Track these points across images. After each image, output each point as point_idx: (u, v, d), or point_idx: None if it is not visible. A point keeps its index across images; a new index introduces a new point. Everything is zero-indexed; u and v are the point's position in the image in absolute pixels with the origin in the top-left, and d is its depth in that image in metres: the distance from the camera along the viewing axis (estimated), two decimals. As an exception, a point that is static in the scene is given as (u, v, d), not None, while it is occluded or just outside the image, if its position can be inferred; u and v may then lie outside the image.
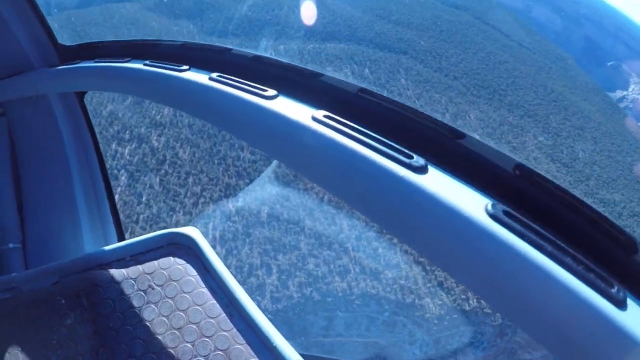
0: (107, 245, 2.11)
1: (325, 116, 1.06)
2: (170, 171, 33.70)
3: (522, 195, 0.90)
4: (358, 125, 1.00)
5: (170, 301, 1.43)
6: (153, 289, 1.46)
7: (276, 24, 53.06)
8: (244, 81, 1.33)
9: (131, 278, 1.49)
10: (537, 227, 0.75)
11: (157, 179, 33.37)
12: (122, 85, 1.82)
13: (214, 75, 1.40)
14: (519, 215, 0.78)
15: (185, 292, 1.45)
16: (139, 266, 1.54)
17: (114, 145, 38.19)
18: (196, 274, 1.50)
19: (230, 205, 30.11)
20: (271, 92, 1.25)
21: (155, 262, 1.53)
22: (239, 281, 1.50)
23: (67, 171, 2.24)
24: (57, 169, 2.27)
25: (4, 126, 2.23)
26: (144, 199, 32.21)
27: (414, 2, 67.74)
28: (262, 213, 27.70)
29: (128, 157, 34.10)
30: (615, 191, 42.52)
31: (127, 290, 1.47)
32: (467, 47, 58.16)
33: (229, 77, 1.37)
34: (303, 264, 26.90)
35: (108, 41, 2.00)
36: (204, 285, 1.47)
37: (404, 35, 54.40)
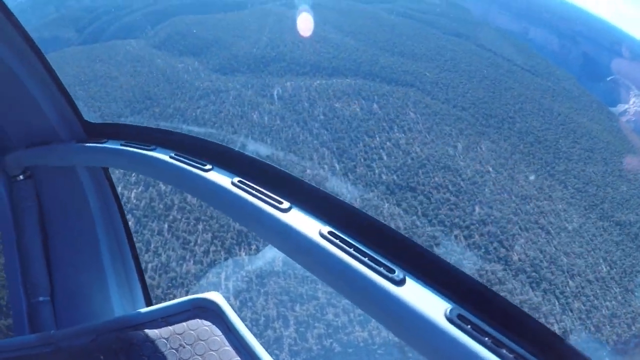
0: (134, 305, 2.39)
1: (329, 232, 1.27)
2: (179, 217, 32.86)
3: (476, 299, 1.08)
4: (355, 240, 1.24)
5: (200, 358, 1.58)
6: (184, 347, 1.61)
7: (282, 60, 53.50)
8: (263, 190, 1.47)
9: (164, 338, 1.63)
10: (482, 326, 0.99)
11: (166, 225, 32.51)
12: (148, 171, 1.95)
13: (236, 180, 1.54)
14: (469, 317, 1.01)
15: (212, 350, 1.60)
16: (169, 327, 1.68)
17: (119, 189, 37.70)
18: (221, 334, 1.65)
19: (243, 253, 29.15)
20: (286, 204, 1.40)
21: (184, 323, 1.69)
22: (255, 335, 1.61)
23: (94, 233, 2.40)
24: (83, 232, 2.43)
25: (31, 188, 2.43)
26: (152, 246, 31.19)
27: (416, 34, 68.41)
28: (277, 261, 26.66)
29: (134, 201, 33.29)
30: (629, 211, 41.55)
31: (161, 349, 1.60)
32: (472, 75, 58.21)
33: (250, 184, 1.52)
34: (322, 314, 25.58)
35: (134, 125, 2.14)
36: (228, 344, 1.62)
37: (409, 67, 54.55)
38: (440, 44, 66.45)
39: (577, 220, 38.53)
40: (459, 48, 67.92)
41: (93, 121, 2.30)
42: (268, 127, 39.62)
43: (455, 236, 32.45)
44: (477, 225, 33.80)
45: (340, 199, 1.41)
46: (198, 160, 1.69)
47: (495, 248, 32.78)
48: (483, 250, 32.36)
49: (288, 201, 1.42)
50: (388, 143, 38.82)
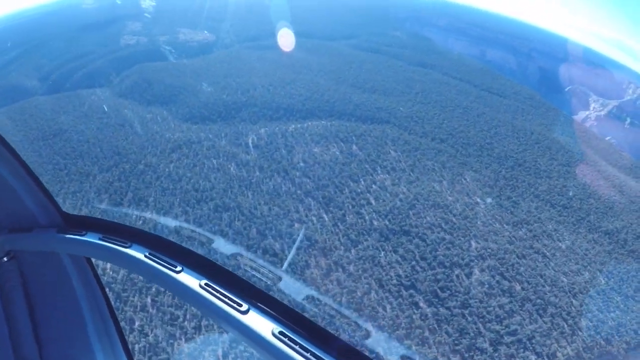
0: None
1: (280, 332, 1.64)
2: (162, 289, 30.14)
3: (296, 320, 1.68)
4: (301, 338, 1.63)
5: None
6: None
7: (253, 105, 52.36)
8: (226, 294, 1.80)
9: None
10: (297, 339, 1.58)
11: (149, 300, 29.80)
12: (125, 266, 2.30)
13: (203, 282, 1.87)
14: (288, 333, 1.60)
15: None
16: None
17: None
18: None
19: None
20: (245, 306, 1.76)
21: None
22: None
23: (79, 311, 2.65)
24: (69, 310, 2.69)
25: (15, 269, 2.71)
26: (136, 324, 28.40)
27: (384, 67, 69.24)
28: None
29: (111, 274, 30.63)
30: (614, 219, 41.87)
31: None
32: (444, 105, 58.81)
33: (215, 287, 1.84)
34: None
35: (111, 222, 2.43)
36: None
37: (382, 103, 54.54)
38: (408, 75, 67.39)
39: (569, 237, 38.44)
40: (427, 78, 69.04)
41: (68, 211, 2.70)
42: (247, 180, 37.84)
43: (457, 276, 31.20)
44: (476, 261, 32.79)
45: (286, 303, 1.78)
46: (170, 261, 2.02)
47: (497, 282, 31.83)
48: (487, 286, 31.29)
49: (246, 304, 1.77)
50: (374, 186, 37.68)
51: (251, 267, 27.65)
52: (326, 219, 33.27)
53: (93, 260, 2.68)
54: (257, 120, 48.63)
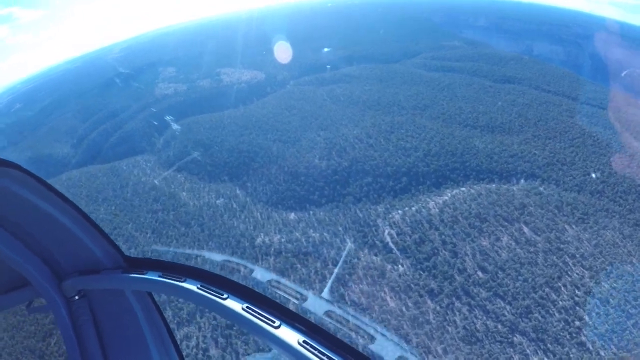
0: None
1: (304, 341, 1.98)
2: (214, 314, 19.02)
3: (318, 332, 2.04)
4: (321, 346, 1.97)
5: None
6: None
7: (359, 172, 39.42)
8: (262, 313, 2.14)
9: None
10: (317, 346, 1.96)
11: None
12: (181, 297, 2.54)
13: (244, 306, 2.20)
14: (313, 343, 1.96)
15: None
16: None
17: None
18: None
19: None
20: (277, 322, 2.08)
21: None
22: None
23: (145, 344, 2.96)
24: (136, 343, 2.98)
25: (86, 306, 3.01)
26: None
27: (473, 91, 55.57)
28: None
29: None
30: None
31: None
32: (573, 136, 45.05)
33: (253, 309, 2.17)
34: None
35: (166, 261, 2.76)
36: None
37: (510, 147, 40.75)
38: (504, 97, 53.82)
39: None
40: (528, 99, 55.21)
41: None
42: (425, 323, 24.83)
43: None
44: None
45: (308, 318, 2.16)
46: (217, 291, 2.33)
47: None
48: None
49: (278, 320, 2.10)
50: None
51: (284, 290, 28.25)
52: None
53: (154, 295, 2.94)
54: (378, 197, 35.15)
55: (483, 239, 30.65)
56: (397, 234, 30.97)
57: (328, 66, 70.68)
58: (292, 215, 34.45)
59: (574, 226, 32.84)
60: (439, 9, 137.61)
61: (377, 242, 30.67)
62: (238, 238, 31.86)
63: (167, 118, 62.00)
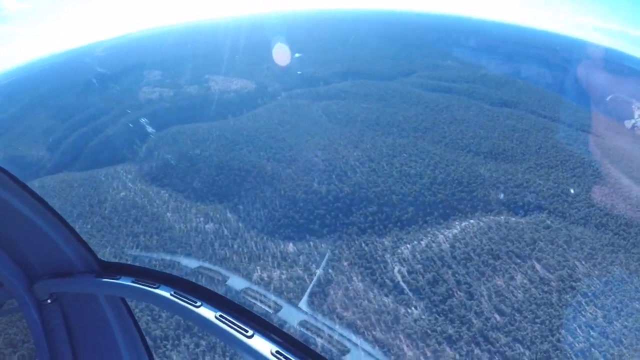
0: None
1: (276, 351, 1.91)
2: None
3: (291, 342, 1.97)
4: (294, 357, 1.90)
5: None
6: None
7: (364, 200, 36.57)
8: (236, 322, 2.07)
9: None
10: (290, 357, 1.88)
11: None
12: (154, 304, 2.49)
13: (218, 314, 2.14)
14: (286, 353, 1.87)
15: None
16: None
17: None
18: None
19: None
20: (250, 332, 2.03)
21: None
22: None
23: (117, 349, 2.87)
24: (108, 347, 2.91)
25: (58, 310, 2.92)
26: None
27: (472, 115, 54.04)
28: None
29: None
30: None
31: None
32: (574, 165, 44.29)
33: (227, 317, 2.11)
34: None
35: (140, 267, 2.68)
36: None
37: (523, 180, 39.19)
38: (504, 123, 52.83)
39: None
40: (527, 125, 54.43)
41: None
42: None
43: None
44: None
45: (282, 328, 2.19)
46: (191, 298, 2.25)
47: None
48: None
49: (251, 329, 2.04)
50: None
51: (259, 299, 26.82)
52: None
53: (127, 300, 2.85)
54: (384, 229, 32.35)
55: (497, 278, 28.55)
56: (408, 272, 28.24)
57: (299, 72, 68.01)
58: (290, 247, 31.20)
59: (583, 262, 32.00)
60: (431, 27, 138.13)
61: (387, 280, 27.85)
62: (231, 272, 28.36)
63: (149, 130, 57.81)
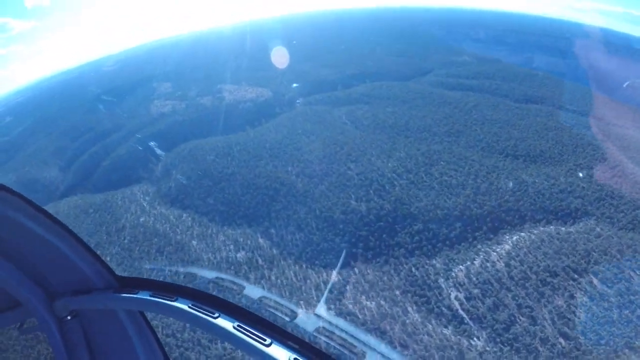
0: None
1: (295, 359, 1.91)
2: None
3: (309, 350, 1.94)
4: None
5: None
6: None
7: (404, 218, 33.97)
8: (253, 332, 2.05)
9: None
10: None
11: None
12: (173, 316, 2.47)
13: (235, 324, 2.12)
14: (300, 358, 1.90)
15: None
16: None
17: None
18: None
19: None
20: (268, 340, 2.01)
21: None
22: None
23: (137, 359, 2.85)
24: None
25: (78, 326, 2.93)
26: None
27: (501, 113, 51.13)
28: None
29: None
30: None
31: None
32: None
33: (245, 327, 2.10)
34: None
35: (157, 280, 2.67)
36: None
37: (572, 189, 36.37)
38: (534, 121, 49.87)
39: None
40: (559, 124, 51.30)
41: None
42: None
43: None
44: None
45: (298, 335, 2.01)
46: (209, 309, 2.26)
47: None
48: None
49: (269, 338, 2.03)
50: None
51: (274, 307, 26.24)
52: None
53: (146, 313, 2.83)
54: (433, 249, 29.82)
55: (558, 298, 26.12)
56: (466, 299, 25.72)
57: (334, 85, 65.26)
58: (334, 275, 28.78)
59: (638, 272, 29.27)
60: (436, 21, 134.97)
61: (444, 309, 25.33)
62: (273, 314, 25.87)
63: (157, 150, 55.64)
